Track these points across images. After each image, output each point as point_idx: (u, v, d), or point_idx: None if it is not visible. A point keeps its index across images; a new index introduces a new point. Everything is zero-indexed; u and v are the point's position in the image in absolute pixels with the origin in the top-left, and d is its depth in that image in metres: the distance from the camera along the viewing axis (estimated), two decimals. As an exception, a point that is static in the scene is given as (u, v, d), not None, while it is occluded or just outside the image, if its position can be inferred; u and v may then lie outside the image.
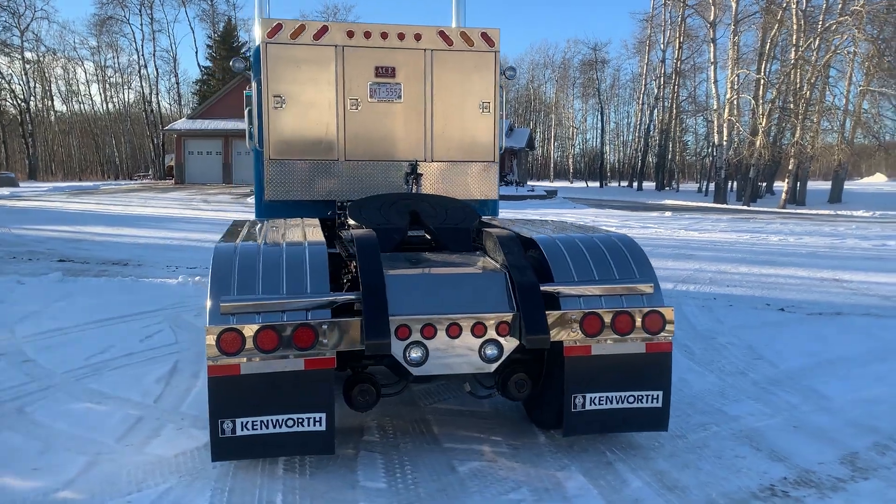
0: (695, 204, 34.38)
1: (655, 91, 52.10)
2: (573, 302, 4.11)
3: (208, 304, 3.88)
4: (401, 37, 6.60)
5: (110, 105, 72.01)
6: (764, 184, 41.81)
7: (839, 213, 29.77)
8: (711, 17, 37.02)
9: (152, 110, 64.63)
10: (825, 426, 4.84)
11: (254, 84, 6.56)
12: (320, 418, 3.84)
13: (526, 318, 3.89)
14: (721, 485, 3.92)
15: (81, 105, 73.92)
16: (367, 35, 6.54)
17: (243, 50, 64.94)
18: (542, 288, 4.04)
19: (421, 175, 6.67)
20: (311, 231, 4.92)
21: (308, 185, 6.63)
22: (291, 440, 3.84)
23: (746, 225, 22.00)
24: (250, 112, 6.89)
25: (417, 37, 6.62)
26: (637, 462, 4.20)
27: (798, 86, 33.51)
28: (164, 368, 6.04)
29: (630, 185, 58.51)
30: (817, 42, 32.78)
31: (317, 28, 6.48)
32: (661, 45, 50.57)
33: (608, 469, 4.10)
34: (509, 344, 3.99)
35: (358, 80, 6.56)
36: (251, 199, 32.12)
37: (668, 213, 26.43)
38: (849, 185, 39.88)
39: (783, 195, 34.05)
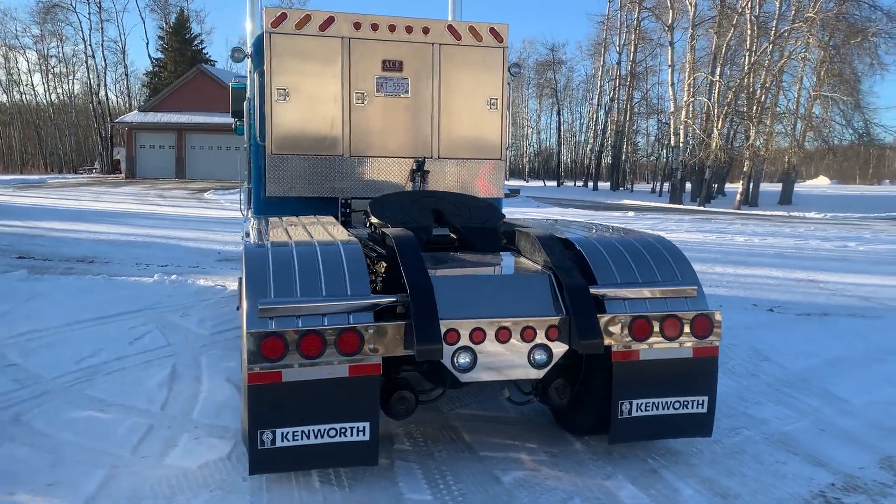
0: (653, 204, 34.83)
1: (611, 92, 52.66)
2: (618, 305, 4.00)
3: (244, 306, 3.65)
4: (408, 30, 6.41)
5: (54, 96, 69.62)
6: (715, 185, 42.62)
7: (792, 214, 30.48)
8: (669, 21, 37.55)
9: (99, 102, 62.67)
10: (851, 429, 4.83)
11: (256, 76, 6.29)
12: (364, 428, 3.65)
13: (579, 322, 3.76)
14: (771, 492, 3.86)
15: (23, 95, 71.27)
16: (375, 27, 6.33)
17: (196, 42, 63.54)
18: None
19: (427, 172, 6.50)
20: (335, 229, 4.71)
21: (311, 182, 6.39)
22: (333, 451, 3.64)
23: (709, 225, 22.32)
24: (246, 104, 6.61)
25: (425, 30, 6.44)
26: (681, 469, 4.11)
27: (751, 90, 34.22)
28: (163, 373, 5.74)
29: (585, 185, 59.08)
30: (771, 47, 33.52)
31: (323, 18, 6.24)
32: (617, 47, 51.16)
33: (655, 477, 4.00)
34: (558, 349, 3.85)
35: (364, 73, 6.35)
36: (209, 195, 31.41)
37: (630, 213, 26.68)
38: (794, 188, 40.84)
39: (738, 196, 34.73)
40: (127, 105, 66.75)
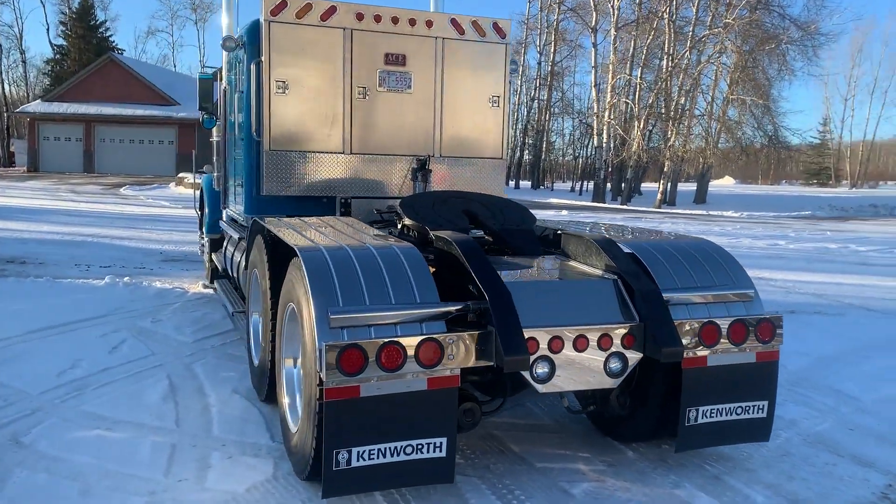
0: (580, 203, 35.43)
1: (531, 92, 53.35)
2: (682, 310, 3.91)
3: (312, 316, 3.37)
4: (412, 22, 6.18)
5: (-58, 83, 64.82)
6: (633, 185, 43.81)
7: (711, 213, 31.60)
8: (593, 23, 38.31)
9: (-7, 90, 58.87)
10: (876, 428, 4.92)
11: (253, 67, 5.90)
12: (441, 444, 3.43)
13: (658, 329, 3.65)
14: (837, 495, 3.86)
15: None
16: (378, 19, 6.07)
17: (102, 30, 60.53)
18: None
19: (430, 171, 6.29)
20: (371, 231, 4.46)
21: (310, 180, 6.07)
22: (409, 469, 3.40)
23: (643, 224, 22.84)
24: (238, 97, 6.22)
25: (429, 23, 6.22)
26: (742, 475, 4.07)
27: (669, 93, 35.30)
28: (160, 385, 5.32)
29: (507, 184, 59.62)
30: (689, 52, 34.66)
31: (324, 7, 5.93)
32: (538, 48, 51.85)
33: (721, 483, 3.95)
34: (633, 357, 3.73)
35: (367, 66, 6.08)
36: (126, 191, 29.95)
37: (564, 212, 27.04)
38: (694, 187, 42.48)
39: (658, 196, 35.78)
40: (24, 95, 62.97)
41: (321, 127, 6.05)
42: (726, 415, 3.96)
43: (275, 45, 5.84)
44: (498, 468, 4.05)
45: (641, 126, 35.07)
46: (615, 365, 3.70)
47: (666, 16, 34.89)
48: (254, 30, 6.06)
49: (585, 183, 51.51)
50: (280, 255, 4.72)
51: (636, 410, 4.20)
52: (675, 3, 34.83)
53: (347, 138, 6.12)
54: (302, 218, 5.15)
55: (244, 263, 5.96)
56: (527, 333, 3.51)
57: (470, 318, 3.59)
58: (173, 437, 4.37)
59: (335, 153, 6.11)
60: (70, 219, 17.90)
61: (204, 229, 9.50)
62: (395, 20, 6.14)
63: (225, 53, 7.36)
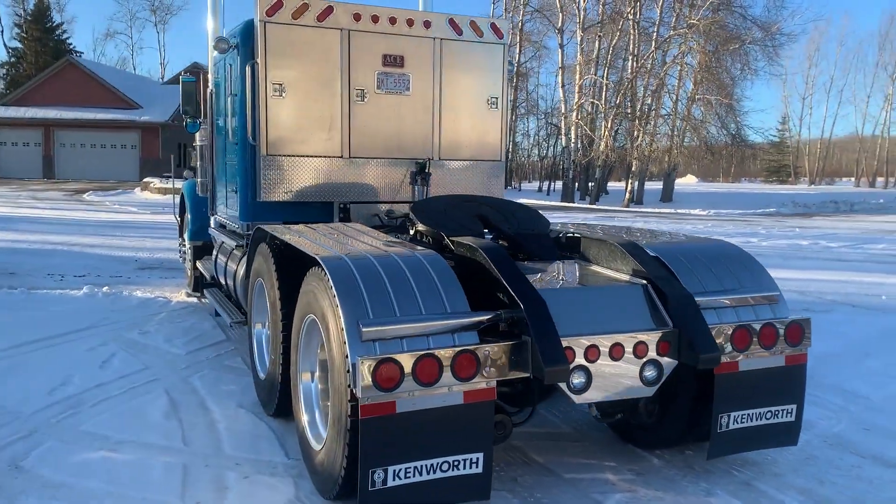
0: (549, 203, 35.48)
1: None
2: (711, 315, 3.84)
3: (341, 328, 3.22)
4: (409, 23, 6.04)
5: None
6: (600, 184, 44.10)
7: (679, 211, 31.92)
8: (559, 24, 38.48)
9: (-56, 94, 57.06)
10: (891, 427, 4.91)
11: (248, 69, 5.71)
12: (477, 459, 3.31)
13: (694, 335, 3.57)
14: (870, 499, 3.82)
15: None
16: (375, 19, 5.92)
17: (59, 32, 59.12)
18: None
19: (430, 175, 6.16)
20: (384, 238, 4.32)
21: (308, 185, 5.89)
22: (445, 487, 3.27)
23: (616, 223, 22.95)
24: (231, 100, 6.02)
25: (427, 24, 6.09)
26: (772, 480, 4.02)
27: (634, 93, 35.61)
28: (160, 401, 5.11)
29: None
30: (655, 52, 35.00)
31: (321, 8, 5.76)
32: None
33: (753, 490, 3.89)
34: (668, 364, 3.65)
35: (364, 68, 5.93)
36: (89, 196, 29.22)
37: (535, 212, 27.05)
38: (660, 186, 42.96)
39: (626, 195, 36.06)
40: (-22, 99, 61.16)
41: (319, 130, 5.88)
42: (757, 420, 3.90)
43: (270, 46, 5.66)
44: (526, 481, 3.94)
45: (609, 126, 35.31)
46: (651, 373, 3.62)
47: (631, 17, 35.19)
48: (248, 31, 5.87)
49: (552, 183, 51.69)
50: (290, 264, 4.55)
51: (663, 417, 4.13)
52: (639, 4, 35.17)
53: (346, 142, 5.96)
54: (309, 225, 4.99)
55: (242, 272, 5.77)
56: (563, 343, 3.41)
57: (501, 328, 3.48)
58: (183, 456, 4.18)
59: (333, 157, 5.95)
60: (36, 226, 17.36)
61: (186, 236, 9.25)
62: (392, 20, 6.00)
63: (212, 55, 7.17)
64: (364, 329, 3.17)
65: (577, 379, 3.47)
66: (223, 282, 6.75)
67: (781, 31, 35.11)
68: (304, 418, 3.97)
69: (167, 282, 10.10)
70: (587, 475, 4.03)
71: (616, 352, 3.53)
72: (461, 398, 3.24)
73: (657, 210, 32.38)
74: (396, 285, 3.40)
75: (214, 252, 7.14)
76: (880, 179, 62.28)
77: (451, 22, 6.20)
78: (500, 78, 6.44)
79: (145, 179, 33.50)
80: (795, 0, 55.70)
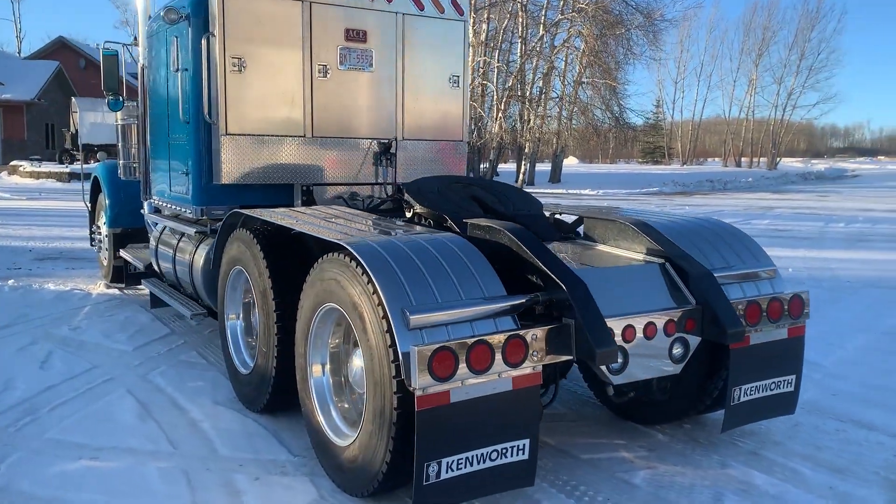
0: (445, 184, 35.68)
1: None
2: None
3: (386, 317, 3.04)
4: (372, -4, 5.80)
5: None
6: (493, 166, 44.72)
7: (570, 191, 32.86)
8: (450, 5, 38.42)
9: None
10: (854, 391, 5.18)
11: (204, 42, 5.30)
12: (524, 445, 3.22)
13: (719, 312, 3.62)
14: (867, 461, 4.02)
15: None
16: (337, -8, 5.64)
17: None
18: None
19: (394, 155, 5.97)
20: (393, 222, 4.13)
21: (269, 166, 5.57)
22: (494, 476, 3.17)
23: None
24: (183, 75, 5.59)
25: (388, -2, 5.87)
26: (774, 448, 4.16)
27: (523, 76, 36.22)
28: (127, 402, 4.71)
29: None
30: (544, 35, 35.69)
31: (282, -22, 5.43)
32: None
33: (762, 459, 4.01)
34: (694, 341, 3.69)
35: (327, 43, 5.65)
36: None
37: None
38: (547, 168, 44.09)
39: (519, 176, 36.73)
40: None
41: (280, 108, 5.56)
42: (763, 391, 4.02)
43: (229, 17, 5.28)
44: (546, 464, 3.88)
45: (502, 108, 35.76)
46: (678, 350, 3.64)
47: (519, 0, 35.67)
48: (201, 1, 5.45)
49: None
50: (281, 250, 4.29)
51: (674, 393, 4.18)
52: (528, -14, 35.71)
53: (308, 120, 5.67)
54: (293, 209, 4.69)
55: (202, 260, 5.39)
56: (602, 323, 3.36)
57: (538, 311, 3.39)
58: (177, 461, 3.86)
59: (295, 136, 5.64)
60: None
61: (103, 223, 8.59)
62: (354, -6, 5.74)
63: (143, 28, 6.64)
64: (412, 317, 3.01)
65: (618, 360, 3.44)
66: (167, 271, 6.29)
67: (665, 16, 36.54)
68: (318, 414, 3.74)
69: (75, 273, 9.38)
70: (603, 455, 4.03)
71: (650, 331, 3.53)
72: (510, 384, 3.14)
73: (549, 190, 33.16)
74: (432, 270, 3.25)
75: (153, 240, 6.64)
76: (745, 160, 66.53)
77: (413, -4, 6.00)
78: (461, 55, 6.31)
79: (12, 163, 31.06)
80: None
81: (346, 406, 3.74)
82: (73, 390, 4.91)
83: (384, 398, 3.14)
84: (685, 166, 64.40)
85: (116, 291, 8.20)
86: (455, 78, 6.30)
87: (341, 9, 5.67)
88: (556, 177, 41.98)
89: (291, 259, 4.29)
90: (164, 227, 6.46)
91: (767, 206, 24.38)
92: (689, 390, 4.17)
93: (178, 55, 5.72)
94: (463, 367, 2.99)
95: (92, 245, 9.31)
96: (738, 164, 65.43)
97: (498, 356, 3.07)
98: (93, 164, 9.54)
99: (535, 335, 3.17)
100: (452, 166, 6.37)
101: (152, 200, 6.79)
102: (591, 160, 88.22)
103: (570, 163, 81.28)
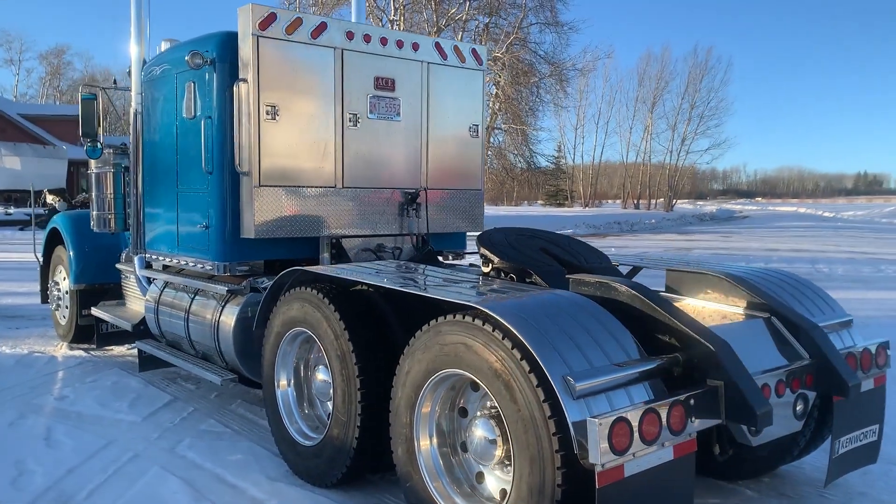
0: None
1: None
2: (817, 343, 3.91)
3: (541, 384, 2.86)
4: (399, 44, 5.66)
5: None
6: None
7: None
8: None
9: None
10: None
11: (236, 88, 4.97)
12: (680, 519, 3.06)
13: (837, 364, 3.60)
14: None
15: None
16: (367, 38, 5.48)
17: None
18: None
19: (420, 205, 5.79)
20: (487, 279, 3.94)
21: (299, 218, 5.27)
22: None
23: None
24: (208, 123, 5.23)
25: (415, 46, 5.75)
26: (866, 500, 4.16)
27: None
28: (170, 483, 4.24)
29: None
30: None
31: (315, 24, 5.23)
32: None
33: (861, 511, 4.00)
34: (811, 396, 3.65)
35: (357, 91, 5.45)
36: None
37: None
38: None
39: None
40: None
41: (312, 158, 5.29)
42: (857, 442, 4.02)
43: (264, 63, 5.00)
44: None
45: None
46: (800, 407, 3.60)
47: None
48: (226, 44, 5.15)
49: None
50: (359, 310, 4.01)
51: (771, 448, 4.12)
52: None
53: (339, 171, 5.41)
54: (359, 264, 4.41)
55: (234, 322, 4.99)
56: (742, 383, 3.27)
57: (676, 373, 3.27)
58: (269, 550, 3.47)
59: (326, 187, 5.37)
60: None
61: (63, 278, 7.91)
62: (383, 41, 5.58)
63: (136, 72, 6.22)
64: (578, 385, 2.82)
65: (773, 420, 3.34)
66: (173, 331, 5.80)
67: (575, 65, 37.92)
68: (431, 488, 3.46)
69: (23, 332, 8.59)
70: (709, 514, 3.92)
71: (780, 388, 3.47)
72: (671, 453, 2.99)
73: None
74: (574, 332, 3.09)
75: (149, 298, 6.11)
76: (643, 202, 69.38)
77: (437, 46, 5.90)
78: (480, 105, 6.23)
79: None
80: (581, 39, 60.95)
81: (466, 484, 3.48)
82: (101, 471, 4.38)
83: (543, 474, 2.91)
84: (587, 208, 66.48)
85: (83, 353, 7.53)
86: (475, 127, 6.20)
87: (370, 57, 5.50)
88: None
89: (369, 320, 4.03)
90: (165, 284, 5.98)
91: (683, 247, 25.35)
92: (782, 443, 4.13)
93: (195, 101, 5.36)
94: (636, 439, 2.82)
95: (45, 302, 8.56)
96: (637, 207, 68.10)
97: (664, 425, 2.92)
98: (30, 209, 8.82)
99: (693, 401, 3.05)
100: (470, 216, 6.23)
101: (145, 255, 6.28)
102: (497, 203, 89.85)
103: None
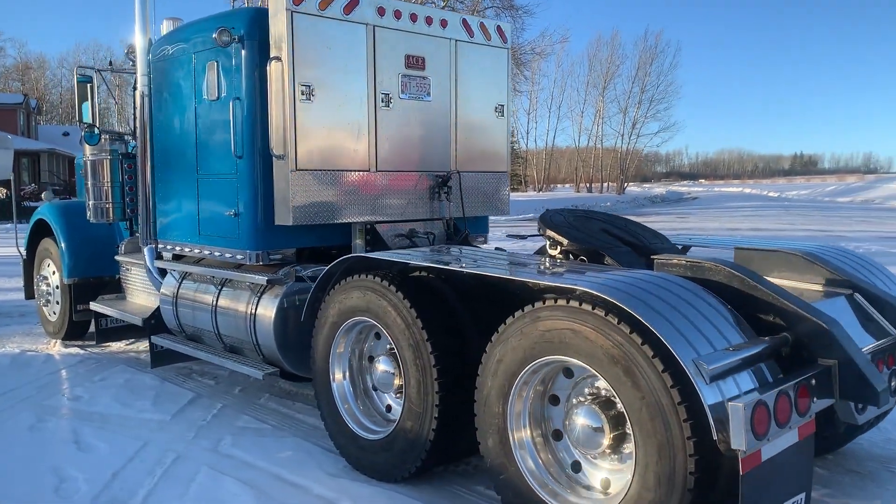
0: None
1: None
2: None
3: (667, 368, 2.74)
4: (428, 21, 5.46)
5: None
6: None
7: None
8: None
9: None
10: None
11: (270, 67, 4.70)
12: (800, 500, 3.00)
13: (925, 342, 3.58)
14: None
15: None
16: (398, 15, 5.25)
17: None
18: None
19: (451, 189, 5.62)
20: (568, 262, 3.81)
21: (335, 204, 5.04)
22: None
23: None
24: (236, 104, 4.95)
25: (444, 23, 5.55)
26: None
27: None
28: (226, 485, 4.02)
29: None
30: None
31: (347, -1, 4.97)
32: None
33: None
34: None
35: (389, 70, 5.23)
36: None
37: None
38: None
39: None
40: None
41: (347, 140, 5.06)
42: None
43: (298, 40, 4.74)
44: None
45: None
46: (894, 383, 3.56)
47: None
48: (256, 21, 4.88)
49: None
50: (426, 297, 3.85)
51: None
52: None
53: (373, 153, 5.20)
54: (414, 249, 4.22)
55: (274, 313, 4.76)
56: (848, 361, 3.22)
57: (784, 353, 3.20)
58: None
59: (361, 171, 5.15)
60: None
61: (53, 272, 7.51)
62: (413, 17, 5.36)
63: (142, 53, 5.87)
64: (710, 368, 2.72)
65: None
66: (196, 324, 5.51)
67: (534, 49, 37.96)
68: (531, 479, 3.32)
69: (5, 331, 8.15)
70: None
71: (878, 365, 3.42)
72: (796, 436, 2.92)
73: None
74: (692, 315, 2.98)
75: (166, 290, 5.80)
76: (595, 185, 70.11)
77: (464, 22, 5.71)
78: (505, 84, 6.06)
79: None
80: (537, 23, 60.79)
81: (563, 474, 3.35)
82: (148, 475, 4.13)
83: (674, 462, 2.80)
84: (541, 193, 66.84)
85: (79, 350, 7.16)
86: (500, 107, 6.03)
87: (401, 34, 5.28)
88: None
89: (441, 306, 3.87)
90: (184, 275, 5.68)
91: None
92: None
93: (220, 82, 5.08)
94: (773, 423, 2.73)
95: (30, 298, 8.12)
96: (590, 190, 68.79)
97: (793, 408, 2.84)
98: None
99: (814, 381, 2.98)
100: (497, 197, 6.07)
101: (156, 246, 5.95)
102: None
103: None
